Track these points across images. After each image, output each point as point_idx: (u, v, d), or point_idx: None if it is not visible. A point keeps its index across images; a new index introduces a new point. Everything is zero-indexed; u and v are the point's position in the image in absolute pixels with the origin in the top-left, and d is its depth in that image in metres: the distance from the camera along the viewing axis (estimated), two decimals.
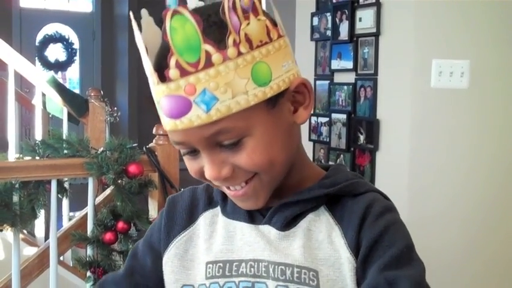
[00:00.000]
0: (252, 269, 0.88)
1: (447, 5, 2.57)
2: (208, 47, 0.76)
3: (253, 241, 0.90)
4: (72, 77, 8.31)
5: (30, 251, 3.42)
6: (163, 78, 0.77)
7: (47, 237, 3.51)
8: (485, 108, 2.63)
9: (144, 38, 0.79)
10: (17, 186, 2.24)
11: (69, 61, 8.10)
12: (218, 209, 0.96)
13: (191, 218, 0.97)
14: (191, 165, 0.87)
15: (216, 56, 0.76)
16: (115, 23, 8.28)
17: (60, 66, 8.04)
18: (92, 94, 3.59)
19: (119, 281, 1.01)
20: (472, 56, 2.58)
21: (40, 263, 2.59)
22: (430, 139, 2.61)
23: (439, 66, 2.55)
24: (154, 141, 2.51)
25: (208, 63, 0.76)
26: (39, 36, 7.94)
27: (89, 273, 2.41)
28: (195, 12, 0.77)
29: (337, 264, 0.85)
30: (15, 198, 2.23)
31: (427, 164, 2.62)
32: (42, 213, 2.40)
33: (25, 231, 3.58)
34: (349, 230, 0.86)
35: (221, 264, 0.90)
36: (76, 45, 8.16)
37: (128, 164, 2.31)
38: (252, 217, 0.92)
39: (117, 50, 8.26)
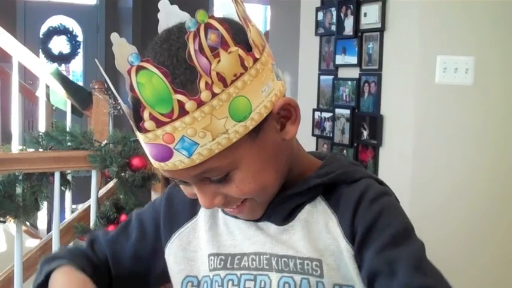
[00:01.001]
0: (254, 262, 0.89)
1: (452, 1, 2.57)
2: (179, 97, 0.74)
3: (252, 235, 0.91)
4: (75, 69, 8.31)
5: (32, 243, 3.43)
6: (139, 128, 0.77)
7: (49, 229, 3.52)
8: (489, 105, 2.62)
9: (120, 64, 0.80)
10: (20, 177, 2.24)
11: (72, 53, 8.09)
12: None
13: (193, 210, 0.98)
14: (186, 190, 0.88)
15: (189, 104, 0.74)
16: (119, 16, 8.27)
17: (63, 58, 8.03)
18: (96, 87, 3.60)
19: (105, 245, 1.02)
20: (477, 52, 2.58)
21: (42, 255, 2.59)
22: (433, 135, 2.61)
23: (443, 63, 2.55)
24: None
25: (183, 112, 0.74)
26: (43, 29, 7.93)
27: None
28: (160, 55, 0.77)
29: (337, 253, 0.86)
30: (19, 190, 2.24)
31: (430, 160, 2.62)
32: (44, 205, 2.41)
33: (28, 223, 3.58)
34: (344, 218, 0.86)
35: (223, 257, 0.91)
36: (80, 38, 8.15)
37: (131, 157, 2.32)
38: None
39: None
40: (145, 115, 0.75)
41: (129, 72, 0.74)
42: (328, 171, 0.90)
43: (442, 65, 2.55)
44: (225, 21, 0.77)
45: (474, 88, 2.58)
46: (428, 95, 2.59)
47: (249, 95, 0.78)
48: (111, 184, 2.64)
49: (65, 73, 4.74)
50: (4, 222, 2.36)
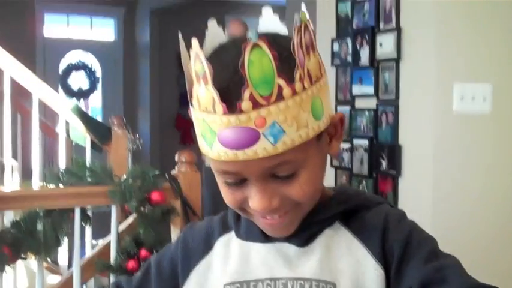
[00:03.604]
0: (269, 287, 0.90)
1: (468, 28, 2.57)
2: (281, 81, 0.78)
3: (271, 259, 0.92)
4: (94, 104, 8.39)
5: (53, 279, 3.43)
6: (232, 109, 0.78)
7: (69, 265, 3.52)
8: (508, 133, 2.61)
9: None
10: (41, 214, 2.26)
11: (91, 89, 8.18)
12: (233, 233, 0.98)
13: (207, 246, 0.99)
14: (233, 195, 0.87)
15: (286, 91, 0.78)
16: (137, 51, 8.37)
17: (82, 94, 8.12)
18: (115, 122, 3.63)
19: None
20: (495, 80, 2.57)
21: None
22: (453, 164, 2.59)
23: (460, 91, 2.54)
24: (176, 168, 2.52)
25: (280, 97, 0.78)
26: (63, 65, 8.04)
27: None
28: (271, 43, 0.78)
29: (357, 274, 0.88)
30: (39, 227, 2.26)
31: (450, 189, 2.60)
32: (65, 241, 2.42)
33: (49, 260, 3.59)
34: (372, 240, 0.89)
35: (238, 285, 0.92)
36: (98, 73, 8.25)
37: (150, 192, 2.33)
38: (267, 236, 0.93)
39: (138, 77, 8.34)
40: (246, 94, 0.77)
41: (245, 47, 0.77)
42: (348, 197, 0.94)
43: (460, 93, 2.54)
44: (312, 30, 0.84)
45: (492, 116, 2.57)
46: (446, 123, 2.58)
47: (323, 99, 0.85)
48: (130, 219, 2.65)
49: (84, 108, 4.79)
50: (25, 258, 2.37)
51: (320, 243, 0.91)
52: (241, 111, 0.77)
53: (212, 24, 0.92)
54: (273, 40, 0.81)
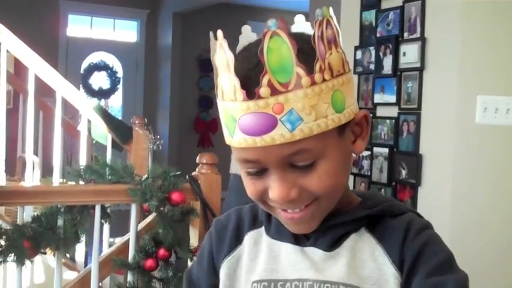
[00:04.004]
0: None
1: (493, 41, 2.56)
2: (299, 70, 0.80)
3: (298, 261, 0.93)
4: (114, 104, 8.45)
5: (70, 275, 3.45)
6: (251, 95, 0.80)
7: (86, 262, 3.54)
8: None
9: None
10: (62, 210, 2.28)
11: (112, 89, 8.23)
12: (262, 229, 0.99)
13: (238, 239, 1.00)
14: (254, 186, 0.88)
15: (305, 80, 0.80)
16: (158, 53, 8.42)
17: (103, 94, 8.17)
18: (137, 122, 3.65)
19: None
20: None
21: (81, 287, 2.61)
22: (473, 176, 2.59)
23: (484, 102, 2.54)
24: (197, 169, 2.53)
25: (298, 85, 0.80)
26: (84, 65, 8.11)
27: None
28: (291, 35, 0.80)
29: (381, 281, 0.89)
30: (60, 222, 2.27)
31: (469, 200, 2.59)
32: (83, 238, 2.43)
33: (67, 255, 3.62)
34: (392, 248, 0.90)
35: (266, 284, 0.93)
36: (120, 74, 8.30)
37: (171, 192, 2.34)
38: (297, 238, 0.94)
39: (159, 79, 8.39)
40: (264, 80, 0.79)
41: (264, 34, 0.79)
42: (375, 203, 0.95)
43: (483, 104, 2.53)
44: (336, 27, 0.87)
45: None
46: (468, 134, 2.57)
47: (345, 93, 0.86)
48: (149, 218, 2.66)
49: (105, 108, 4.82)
50: (45, 253, 2.39)
51: (346, 247, 0.92)
52: (259, 97, 0.79)
53: (246, 29, 0.94)
54: (293, 34, 0.83)
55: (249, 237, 0.99)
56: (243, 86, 0.80)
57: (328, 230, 0.92)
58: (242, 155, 0.85)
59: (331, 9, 0.87)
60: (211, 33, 0.85)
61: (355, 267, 0.90)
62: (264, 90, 0.79)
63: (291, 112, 0.80)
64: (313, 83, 0.81)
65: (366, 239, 0.92)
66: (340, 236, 0.92)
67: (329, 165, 0.85)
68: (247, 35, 0.94)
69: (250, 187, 0.89)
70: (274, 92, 0.79)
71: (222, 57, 0.82)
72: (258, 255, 0.97)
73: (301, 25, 0.96)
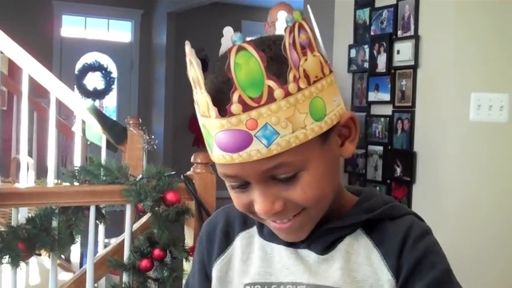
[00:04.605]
0: None
1: (487, 38, 2.57)
2: (271, 83, 0.77)
3: (292, 264, 0.91)
4: (109, 105, 8.43)
5: (65, 276, 3.44)
6: (223, 112, 0.77)
7: (82, 263, 3.53)
8: None
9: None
10: (56, 211, 2.27)
11: (107, 89, 8.22)
12: (254, 229, 0.98)
13: (228, 240, 0.99)
14: (239, 199, 0.87)
15: (278, 92, 0.77)
16: (153, 53, 8.41)
17: (98, 94, 8.16)
18: (131, 122, 3.64)
19: None
20: None
21: None
22: (467, 173, 2.59)
23: (477, 100, 2.54)
24: (192, 169, 2.53)
25: (271, 99, 0.77)
26: (79, 65, 8.09)
27: None
28: (257, 45, 0.78)
29: (376, 286, 0.87)
30: (54, 223, 2.26)
31: (464, 197, 2.59)
32: (78, 239, 2.43)
33: (62, 256, 3.61)
34: (389, 253, 0.88)
35: (259, 286, 0.92)
36: (114, 74, 8.29)
37: (165, 192, 2.33)
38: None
39: (154, 79, 8.38)
40: (235, 97, 0.77)
41: (229, 51, 0.77)
42: (372, 206, 0.92)
43: (476, 102, 2.54)
44: (311, 29, 0.84)
45: (509, 125, 2.56)
46: (462, 132, 2.58)
47: (325, 99, 0.83)
48: (144, 218, 2.65)
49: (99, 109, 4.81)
50: (40, 255, 2.38)
51: (340, 250, 0.90)
52: (231, 114, 0.77)
53: (227, 31, 0.91)
54: (264, 45, 0.81)
55: (240, 238, 0.98)
56: (215, 102, 0.78)
57: (323, 234, 0.90)
58: (222, 171, 0.83)
59: (309, 10, 0.86)
60: (187, 44, 0.82)
61: (349, 270, 0.88)
62: (235, 107, 0.77)
63: (265, 127, 0.77)
64: (288, 94, 0.78)
65: (362, 241, 0.90)
66: (335, 239, 0.91)
67: (312, 176, 0.83)
68: (228, 37, 0.92)
69: (236, 200, 0.88)
70: (246, 108, 0.77)
71: (193, 73, 0.81)
72: (251, 257, 0.95)
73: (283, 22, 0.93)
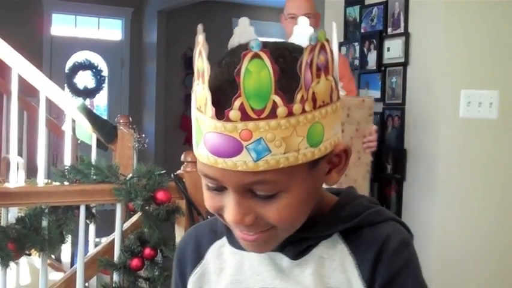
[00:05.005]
0: None
1: (476, 36, 2.57)
2: (277, 98, 0.74)
3: (263, 270, 0.90)
4: (99, 103, 8.40)
5: (55, 276, 3.43)
6: (220, 115, 0.74)
7: (72, 262, 3.52)
8: None
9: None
10: (46, 211, 2.26)
11: (97, 88, 8.18)
12: (224, 239, 0.95)
13: (199, 256, 0.97)
14: (212, 200, 0.84)
15: (281, 109, 0.74)
16: (143, 52, 8.39)
17: (88, 93, 8.12)
18: (121, 121, 3.63)
19: None
20: (501, 86, 2.57)
21: None
22: (458, 169, 2.59)
23: (467, 97, 2.54)
24: (182, 168, 2.52)
25: (272, 114, 0.74)
26: (69, 64, 8.06)
27: None
28: (273, 53, 0.74)
29: None
30: (44, 223, 2.26)
31: (455, 194, 2.60)
32: (69, 238, 2.42)
33: (52, 256, 3.60)
34: (364, 262, 0.85)
35: None
36: (105, 73, 8.25)
37: (156, 191, 2.33)
38: None
39: (145, 77, 8.36)
40: (236, 103, 0.73)
41: (244, 55, 0.73)
42: (351, 214, 0.89)
43: (466, 99, 2.54)
44: (331, 51, 0.79)
45: (499, 122, 2.57)
46: (452, 129, 2.58)
47: (326, 125, 0.79)
48: (135, 218, 2.64)
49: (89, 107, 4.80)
50: (29, 255, 2.37)
51: (314, 255, 0.88)
52: (228, 119, 0.74)
53: (243, 22, 0.88)
54: (279, 54, 0.78)
55: (211, 252, 0.96)
56: (215, 101, 0.75)
57: (298, 241, 0.88)
58: (203, 169, 0.80)
59: (334, 27, 0.81)
60: (199, 26, 0.79)
61: (322, 276, 0.86)
62: (234, 113, 0.73)
63: (259, 141, 0.74)
64: (291, 113, 0.75)
65: (338, 246, 0.88)
66: (310, 245, 0.88)
67: (291, 199, 0.80)
68: (243, 29, 0.89)
69: (208, 200, 0.85)
70: (245, 117, 0.74)
71: (200, 64, 0.77)
72: (224, 267, 0.93)
73: (304, 28, 0.89)
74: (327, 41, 0.78)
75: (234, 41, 0.87)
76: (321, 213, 0.89)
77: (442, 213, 2.59)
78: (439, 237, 2.53)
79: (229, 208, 0.81)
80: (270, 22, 7.29)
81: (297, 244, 0.88)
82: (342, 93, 1.94)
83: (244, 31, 0.88)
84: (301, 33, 0.87)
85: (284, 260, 0.89)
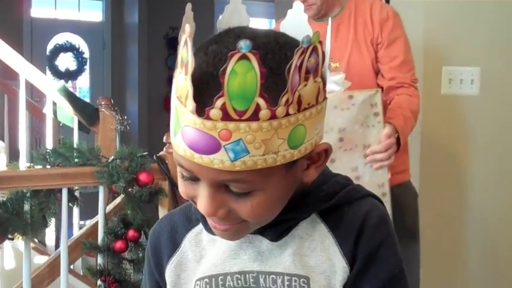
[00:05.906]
0: (239, 281, 0.88)
1: (457, 12, 2.57)
2: (261, 101, 0.71)
3: (242, 253, 0.89)
4: (82, 86, 8.35)
5: (40, 260, 3.43)
6: (201, 112, 0.72)
7: (57, 245, 3.52)
8: (496, 115, 2.62)
9: (223, 22, 0.76)
10: (28, 195, 2.25)
11: (79, 70, 8.13)
12: (200, 226, 0.95)
13: (175, 244, 0.96)
14: (186, 189, 0.82)
15: (264, 112, 0.72)
16: (125, 33, 8.32)
17: (70, 75, 8.07)
18: (103, 103, 3.61)
19: None
20: (483, 63, 2.58)
21: (51, 271, 2.60)
22: (440, 146, 2.61)
23: (449, 74, 2.55)
24: (164, 149, 2.51)
25: (255, 117, 0.72)
26: (50, 46, 7.98)
27: (99, 282, 2.41)
28: (260, 48, 0.73)
29: (329, 272, 0.86)
30: (26, 207, 2.25)
31: (437, 170, 2.61)
32: (52, 222, 2.41)
33: (36, 240, 3.59)
34: (345, 240, 0.86)
35: (207, 280, 0.90)
36: (86, 55, 8.19)
37: (138, 173, 2.32)
38: None
39: (127, 59, 8.30)
40: (218, 103, 0.71)
41: (231, 56, 0.69)
42: (329, 193, 0.89)
43: (448, 76, 2.55)
44: (323, 52, 0.77)
45: (480, 98, 2.58)
46: (434, 106, 2.59)
47: (308, 127, 0.78)
48: (118, 200, 2.64)
49: (71, 90, 4.77)
50: (12, 239, 2.36)
51: (294, 236, 0.88)
52: (208, 117, 0.72)
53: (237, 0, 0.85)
54: (269, 49, 0.76)
55: (188, 239, 0.95)
56: (197, 94, 0.72)
57: (277, 223, 0.87)
58: (179, 160, 0.79)
59: (329, 22, 0.79)
60: (188, 6, 0.77)
61: (302, 256, 0.86)
62: (215, 112, 0.71)
63: (238, 142, 0.72)
64: (273, 117, 0.72)
65: (317, 226, 0.88)
66: (289, 226, 0.88)
67: (266, 197, 0.79)
68: (234, 7, 0.84)
69: (182, 188, 0.83)
70: (225, 117, 0.71)
71: (184, 54, 0.74)
72: (203, 254, 0.93)
73: (297, 14, 0.85)
74: (320, 43, 0.75)
75: (223, 20, 0.85)
76: (299, 194, 0.88)
77: (426, 190, 2.60)
78: (423, 213, 2.55)
79: (202, 200, 0.80)
80: (258, 2, 7.24)
81: (276, 226, 0.87)
82: (346, 85, 1.88)
83: (235, 9, 0.85)
84: (293, 21, 0.85)
85: (264, 242, 0.88)
